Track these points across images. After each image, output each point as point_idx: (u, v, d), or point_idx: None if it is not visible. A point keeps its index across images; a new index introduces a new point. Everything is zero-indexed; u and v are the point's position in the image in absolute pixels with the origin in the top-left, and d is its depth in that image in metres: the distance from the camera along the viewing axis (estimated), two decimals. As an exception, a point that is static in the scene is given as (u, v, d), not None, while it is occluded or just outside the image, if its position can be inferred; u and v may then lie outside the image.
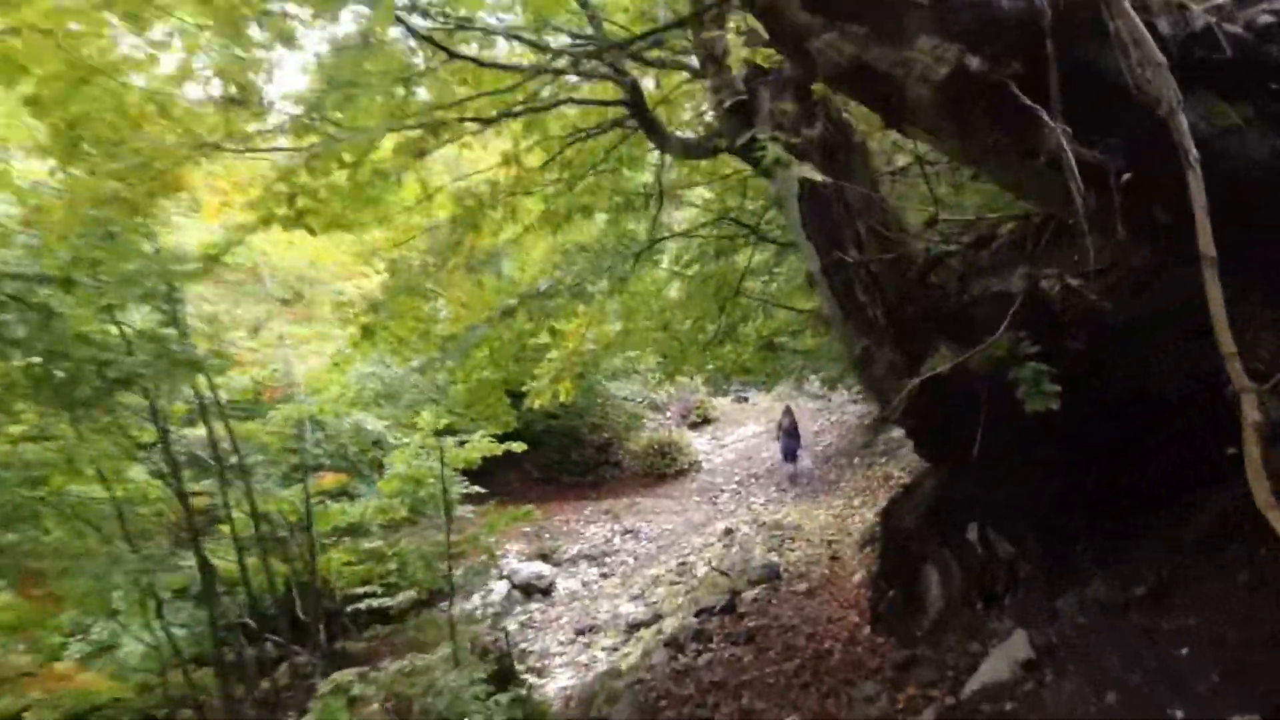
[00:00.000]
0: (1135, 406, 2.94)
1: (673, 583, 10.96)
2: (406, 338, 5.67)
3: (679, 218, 7.85)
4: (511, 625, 10.73)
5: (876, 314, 3.46)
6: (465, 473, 10.52)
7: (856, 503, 12.09)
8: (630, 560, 12.67)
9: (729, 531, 12.27)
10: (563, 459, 18.79)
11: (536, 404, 6.63)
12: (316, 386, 8.22)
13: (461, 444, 7.71)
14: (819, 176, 2.98)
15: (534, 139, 5.20)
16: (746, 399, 26.49)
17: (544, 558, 12.86)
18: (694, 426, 23.36)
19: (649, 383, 19.72)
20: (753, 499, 15.35)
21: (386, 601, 8.09)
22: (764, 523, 12.02)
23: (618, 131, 5.32)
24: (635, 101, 4.37)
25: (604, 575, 12.20)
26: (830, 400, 24.01)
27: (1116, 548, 3.36)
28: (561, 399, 6.77)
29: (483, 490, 10.28)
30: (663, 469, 19.06)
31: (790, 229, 3.93)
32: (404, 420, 8.74)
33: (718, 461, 19.81)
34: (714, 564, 9.22)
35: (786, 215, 3.58)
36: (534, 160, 5.94)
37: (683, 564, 11.52)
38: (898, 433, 14.48)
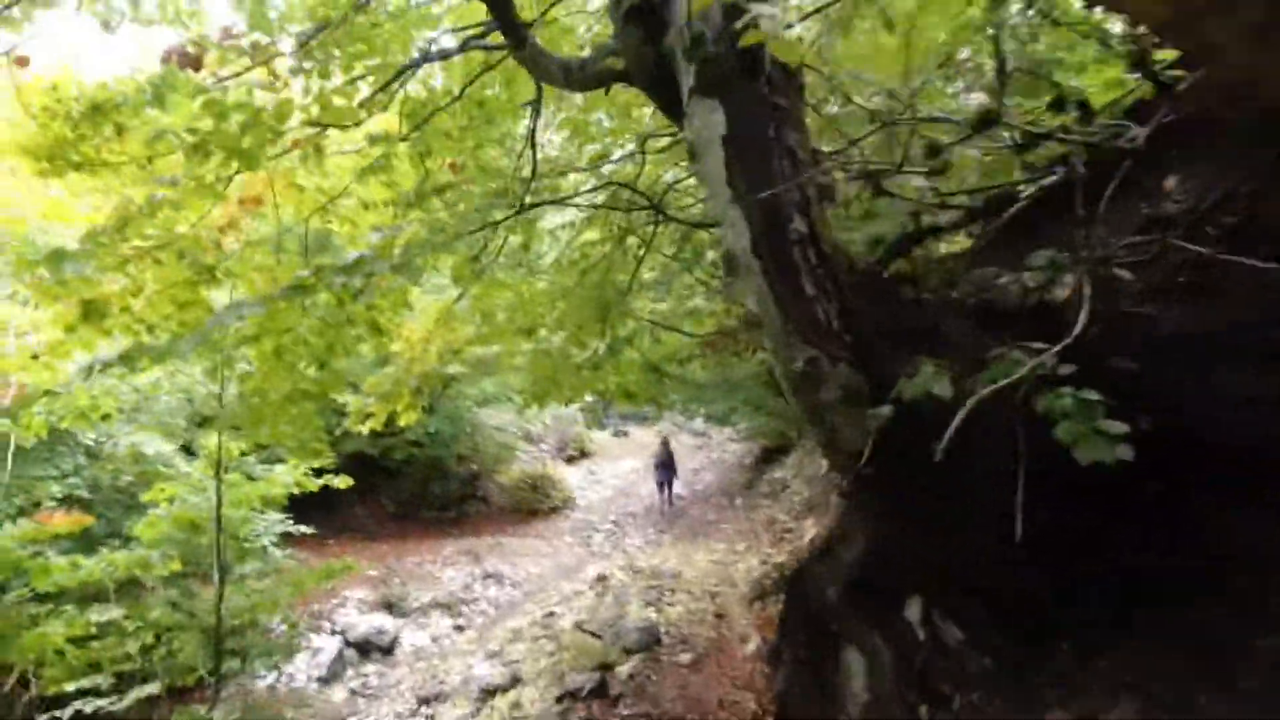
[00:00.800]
0: (1177, 455, 2.20)
1: (536, 637, 9.64)
2: (159, 323, 4.09)
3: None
4: (338, 694, 8.97)
5: (829, 313, 2.59)
6: (298, 505, 8.81)
7: (740, 547, 11.38)
8: (490, 610, 11.19)
9: (602, 578, 11.16)
10: (423, 492, 16.93)
11: (362, 428, 5.25)
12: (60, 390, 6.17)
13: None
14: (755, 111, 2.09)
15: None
16: (626, 433, 25.73)
17: (389, 607, 11.10)
18: (570, 460, 22.16)
19: (523, 412, 18.39)
20: (629, 540, 14.33)
21: (105, 705, 5.15)
22: (640, 569, 11.01)
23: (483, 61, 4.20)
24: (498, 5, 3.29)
25: (458, 628, 10.65)
26: (710, 438, 23.76)
27: (1122, 649, 2.53)
28: (401, 423, 5.44)
29: (310, 531, 8.60)
30: (534, 505, 17.67)
31: (707, 188, 2.91)
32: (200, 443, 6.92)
33: (593, 498, 18.69)
34: (583, 622, 8.06)
35: (703, 170, 2.61)
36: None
37: (549, 615, 10.23)
38: (780, 473, 14.09)
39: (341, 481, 13.70)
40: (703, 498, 16.37)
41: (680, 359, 8.24)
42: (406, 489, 16.81)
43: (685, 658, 5.94)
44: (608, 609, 8.99)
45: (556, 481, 18.44)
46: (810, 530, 10.29)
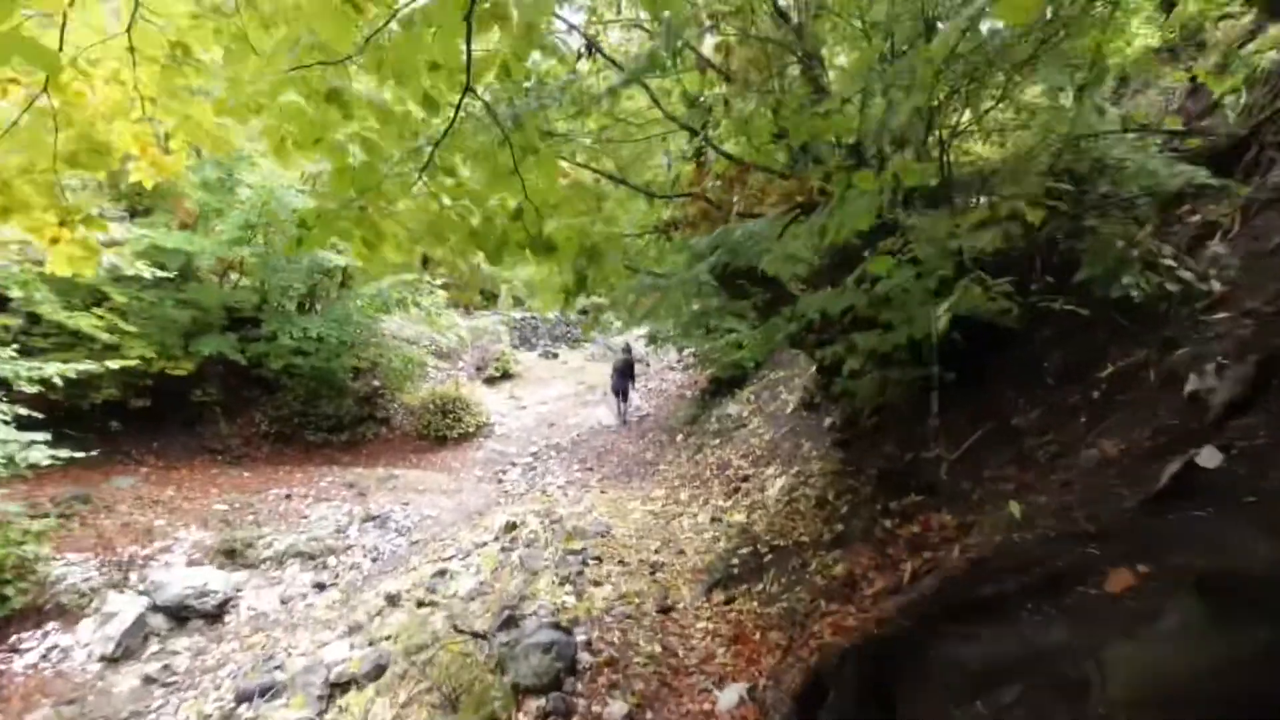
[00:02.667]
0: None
1: (419, 604, 7.38)
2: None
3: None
4: (126, 680, 6.49)
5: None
6: (149, 418, 6.15)
7: (684, 496, 9.29)
8: (365, 563, 8.81)
9: (511, 527, 8.90)
10: (308, 411, 14.13)
11: None
12: None
13: None
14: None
15: None
16: (556, 355, 23.30)
17: (230, 555, 8.55)
18: (490, 382, 19.62)
19: (434, 321, 15.65)
20: (550, 479, 12.10)
21: None
22: (560, 518, 8.79)
23: None
24: None
25: (319, 586, 8.24)
26: (648, 366, 21.56)
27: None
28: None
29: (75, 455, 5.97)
30: (442, 431, 15.17)
31: None
32: None
33: (513, 426, 16.31)
34: (461, 616, 5.75)
35: None
36: None
37: (439, 575, 7.95)
38: (733, 408, 12.01)
39: (178, 368, 10.91)
40: (639, 434, 14.21)
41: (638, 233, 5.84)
42: (287, 406, 13.98)
43: (619, 711, 3.75)
44: (511, 579, 6.75)
45: (471, 405, 15.93)
46: (775, 481, 8.25)
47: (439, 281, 16.56)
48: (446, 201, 2.99)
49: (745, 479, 8.98)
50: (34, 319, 10.26)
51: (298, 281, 11.75)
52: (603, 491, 10.68)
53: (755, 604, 4.65)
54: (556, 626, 4.41)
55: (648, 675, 3.87)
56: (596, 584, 5.87)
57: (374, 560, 8.81)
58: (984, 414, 4.07)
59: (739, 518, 7.65)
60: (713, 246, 4.59)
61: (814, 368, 9.90)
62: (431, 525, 9.82)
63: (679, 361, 19.60)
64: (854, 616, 3.23)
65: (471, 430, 15.45)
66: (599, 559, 6.55)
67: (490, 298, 27.48)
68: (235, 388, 13.79)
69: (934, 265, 3.51)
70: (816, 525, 5.08)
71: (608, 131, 5.86)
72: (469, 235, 3.09)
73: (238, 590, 7.95)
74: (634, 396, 16.39)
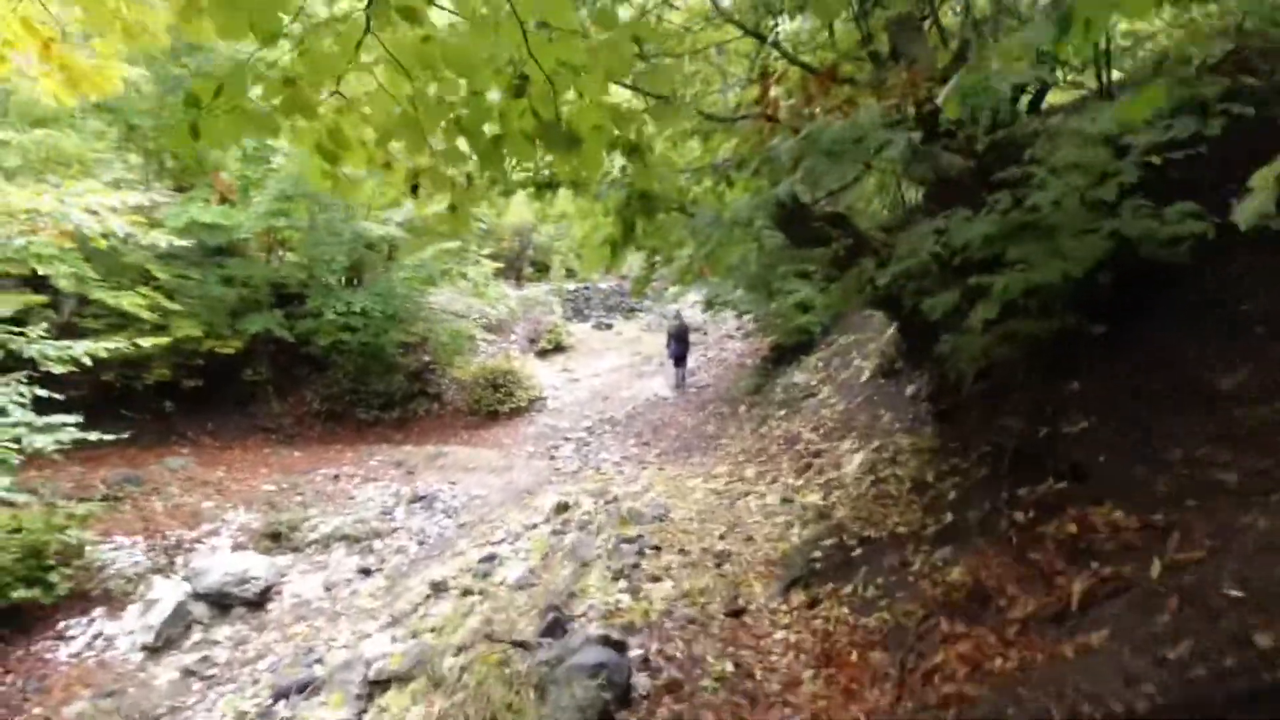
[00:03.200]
0: None
1: (464, 593, 6.87)
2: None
3: None
4: (165, 672, 6.19)
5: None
6: (199, 399, 5.81)
7: (750, 473, 8.48)
8: (411, 546, 8.37)
9: (563, 508, 8.31)
10: (358, 388, 13.89)
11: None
12: None
13: None
14: None
15: None
16: (610, 326, 22.63)
17: (275, 538, 8.25)
18: (542, 355, 19.12)
19: (483, 294, 15.14)
20: (604, 454, 11.47)
21: None
22: (614, 498, 8.14)
23: None
24: None
25: (364, 571, 7.85)
26: (706, 334, 20.66)
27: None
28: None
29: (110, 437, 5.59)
30: (493, 406, 14.74)
31: None
32: None
33: (566, 400, 15.76)
34: (497, 626, 5.10)
35: None
36: None
37: (487, 559, 7.43)
38: (800, 377, 11.07)
39: (226, 346, 10.66)
40: (698, 405, 13.42)
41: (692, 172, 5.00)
42: (337, 384, 13.76)
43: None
44: (561, 569, 6.12)
45: (523, 379, 15.43)
46: (853, 457, 7.35)
47: (486, 251, 16.03)
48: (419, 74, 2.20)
49: (817, 454, 8.10)
50: (84, 300, 10.15)
51: (339, 254, 11.34)
52: (660, 469, 9.98)
53: (846, 610, 3.84)
54: (607, 641, 3.71)
55: (719, 706, 3.12)
56: (655, 579, 5.15)
57: (420, 544, 8.37)
58: (1150, 376, 3.11)
59: (814, 499, 6.80)
60: (796, 154, 3.68)
61: (893, 328, 8.87)
62: (480, 506, 9.32)
63: (738, 329, 18.63)
64: (998, 650, 2.39)
65: (523, 405, 14.96)
66: (657, 548, 5.83)
67: (543, 269, 26.96)
68: (286, 366, 13.64)
69: (1096, 170, 2.57)
70: (915, 513, 4.21)
71: (649, 47, 4.98)
72: (454, 125, 2.30)
73: (282, 576, 7.62)
74: (690, 362, 15.92)
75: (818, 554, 4.44)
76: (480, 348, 18.07)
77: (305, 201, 10.60)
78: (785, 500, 7.08)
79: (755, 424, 10.59)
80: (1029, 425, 3.54)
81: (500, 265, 19.71)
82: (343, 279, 12.85)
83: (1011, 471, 3.50)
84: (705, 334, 20.41)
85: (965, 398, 4.91)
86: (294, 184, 9.96)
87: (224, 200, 10.66)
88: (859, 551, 4.20)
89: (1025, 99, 4.73)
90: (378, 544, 8.36)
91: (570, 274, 28.16)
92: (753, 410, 11.35)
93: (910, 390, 7.49)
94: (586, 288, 25.23)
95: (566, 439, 12.89)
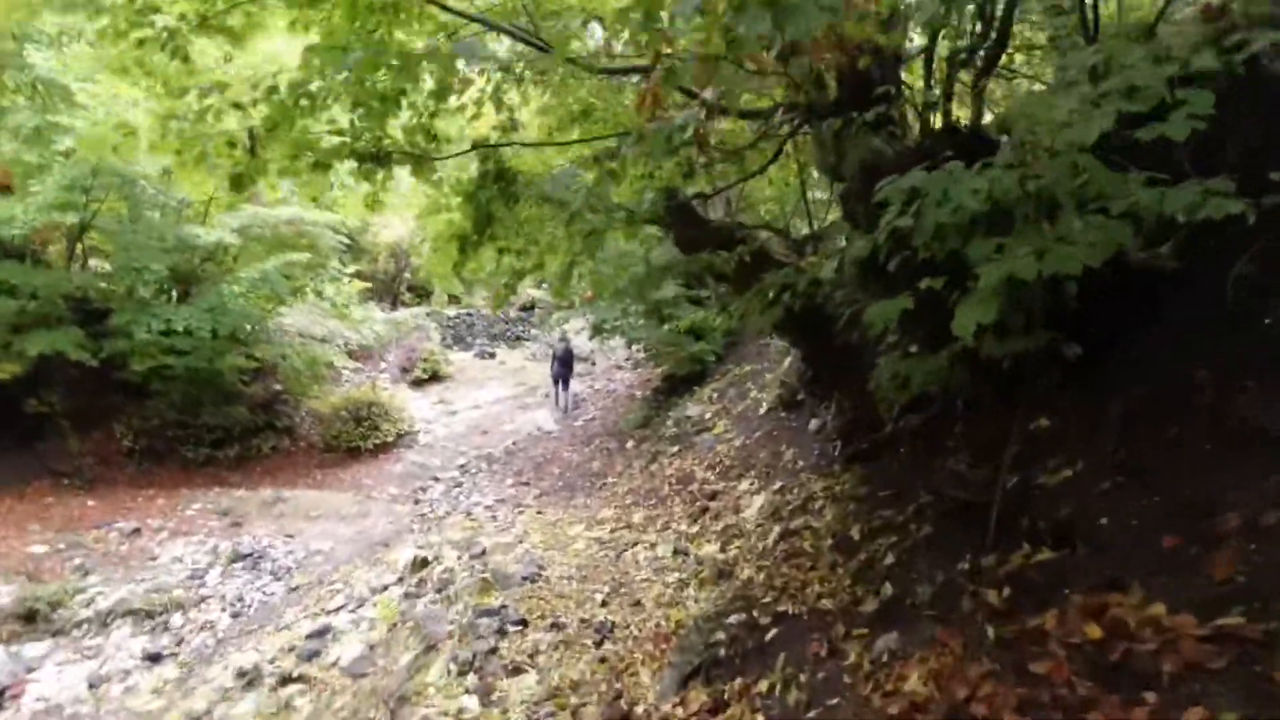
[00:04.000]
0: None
1: (282, 682, 5.42)
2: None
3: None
4: None
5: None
6: None
7: (638, 518, 7.53)
8: (224, 621, 6.73)
9: (421, 564, 7.01)
10: (186, 420, 11.78)
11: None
12: None
13: None
14: None
15: None
16: (493, 354, 21.23)
17: (27, 619, 6.35)
18: (417, 384, 17.46)
19: (345, 315, 13.51)
20: (477, 496, 10.17)
21: None
22: (482, 551, 6.93)
23: None
24: None
25: (151, 659, 6.14)
26: (593, 365, 19.77)
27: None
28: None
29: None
30: (355, 442, 13.02)
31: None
32: None
33: (440, 434, 14.27)
34: None
35: None
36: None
37: (317, 635, 6.00)
38: (693, 409, 10.32)
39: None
40: (583, 440, 12.39)
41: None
42: (159, 416, 11.61)
43: None
44: (402, 652, 4.86)
45: (391, 411, 13.80)
46: (753, 500, 6.58)
47: (351, 269, 14.41)
48: None
49: (713, 496, 7.29)
50: None
51: (155, 262, 9.47)
52: (539, 512, 8.83)
53: (745, 704, 2.94)
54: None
55: None
56: (515, 670, 4.03)
57: (235, 616, 6.74)
58: (1156, 412, 2.45)
59: (711, 550, 5.93)
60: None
61: (791, 357, 8.31)
62: (320, 563, 7.78)
63: (628, 359, 17.88)
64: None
65: (390, 440, 13.33)
66: (523, 622, 4.70)
67: (423, 294, 25.17)
68: (90, 394, 11.33)
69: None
70: (841, 580, 3.39)
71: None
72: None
73: (29, 671, 5.79)
74: (577, 388, 15.51)
75: (720, 634, 3.52)
76: (345, 376, 16.22)
77: (111, 195, 8.74)
78: (679, 552, 6.17)
79: (645, 461, 9.69)
80: (983, 471, 2.83)
81: (370, 286, 18.04)
82: (167, 292, 10.87)
83: (965, 530, 2.76)
84: (593, 364, 19.51)
85: (887, 435, 4.22)
86: (91, 172, 8.12)
87: (2, 189, 8.62)
88: (774, 632, 3.31)
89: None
90: (176, 619, 6.65)
91: (454, 300, 26.53)
92: (642, 446, 10.46)
93: (814, 425, 6.85)
94: (469, 314, 23.74)
95: (436, 479, 11.46)
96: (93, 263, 11.85)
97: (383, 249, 20.10)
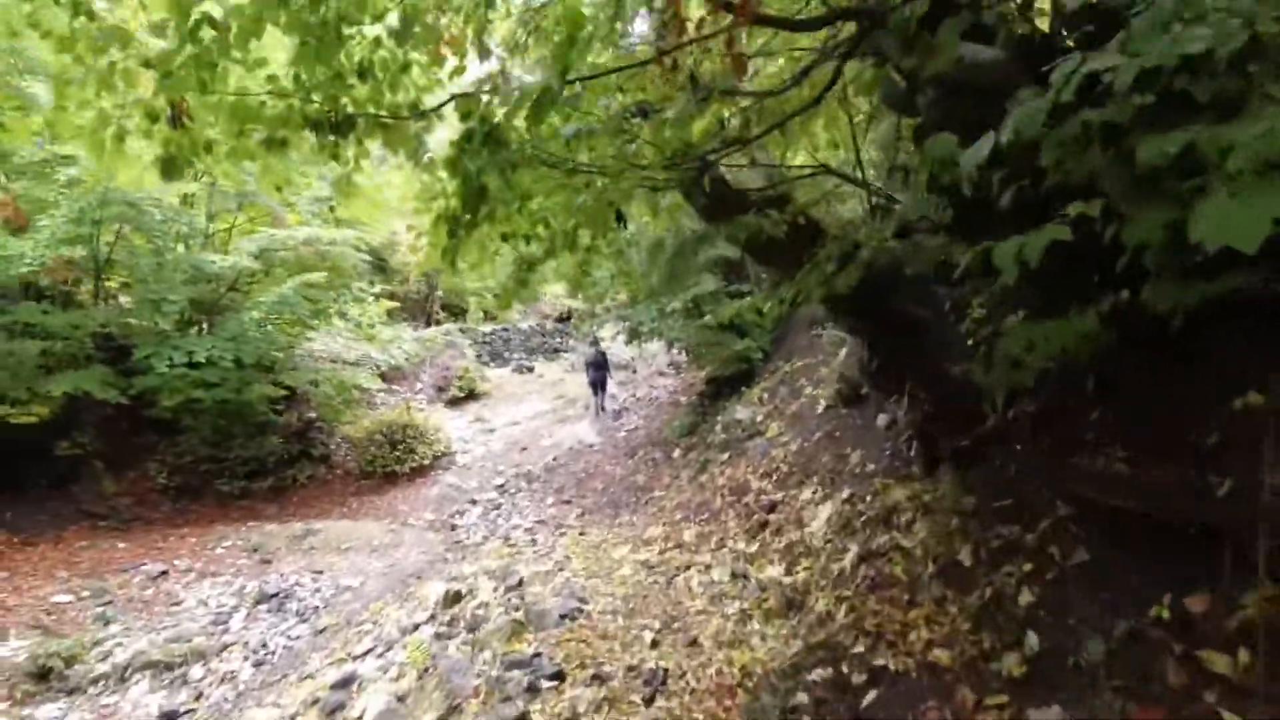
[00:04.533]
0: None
1: (303, 742, 4.84)
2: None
3: None
4: None
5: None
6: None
7: (689, 536, 6.77)
8: (245, 671, 6.21)
9: (455, 599, 6.41)
10: (218, 454, 11.52)
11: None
12: None
13: None
14: None
15: None
16: (531, 369, 20.77)
17: (41, 677, 5.94)
18: (454, 403, 17.07)
19: (373, 337, 13.12)
20: (516, 519, 9.55)
21: None
22: (519, 582, 6.28)
23: None
24: None
25: (167, 718, 5.63)
26: (634, 372, 19.11)
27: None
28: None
29: None
30: (390, 466, 12.59)
31: None
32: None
33: (478, 453, 13.75)
34: None
35: None
36: None
37: (343, 683, 5.42)
38: (742, 412, 9.51)
39: (26, 415, 8.30)
40: (626, 451, 11.69)
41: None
42: (191, 452, 11.35)
43: None
44: (424, 709, 4.21)
45: (427, 432, 13.34)
46: (819, 510, 5.77)
47: (378, 289, 14.04)
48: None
49: (772, 508, 6.49)
50: None
51: (172, 292, 9.17)
52: (582, 533, 8.16)
53: None
54: None
55: None
56: (552, 738, 3.34)
57: (258, 664, 6.22)
58: None
59: (775, 573, 5.15)
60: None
61: (847, 348, 7.46)
62: (349, 601, 7.23)
63: (670, 364, 17.16)
64: None
65: (427, 462, 12.86)
66: (559, 675, 3.99)
67: (457, 312, 24.91)
68: (123, 434, 11.16)
69: None
70: (956, 624, 2.60)
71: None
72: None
73: (39, 735, 5.34)
74: (617, 394, 15.22)
75: (801, 695, 2.74)
76: (380, 399, 15.91)
77: (124, 226, 8.44)
78: (737, 576, 5.39)
79: (693, 471, 8.93)
80: (1165, 472, 2.02)
81: (400, 306, 17.75)
82: (191, 324, 10.60)
83: (1154, 561, 1.95)
84: (634, 371, 18.85)
85: (993, 428, 3.39)
86: (99, 202, 7.83)
87: (16, 229, 8.40)
88: (872, 695, 2.54)
89: None
90: (196, 671, 6.15)
91: (488, 316, 26.24)
92: (689, 454, 9.70)
93: (883, 421, 6.01)
94: (505, 329, 23.38)
95: (474, 501, 10.89)
96: (124, 300, 11.74)
97: (413, 268, 19.81)
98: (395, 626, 6.37)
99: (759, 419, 8.65)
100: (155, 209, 8.18)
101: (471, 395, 17.43)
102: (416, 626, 6.29)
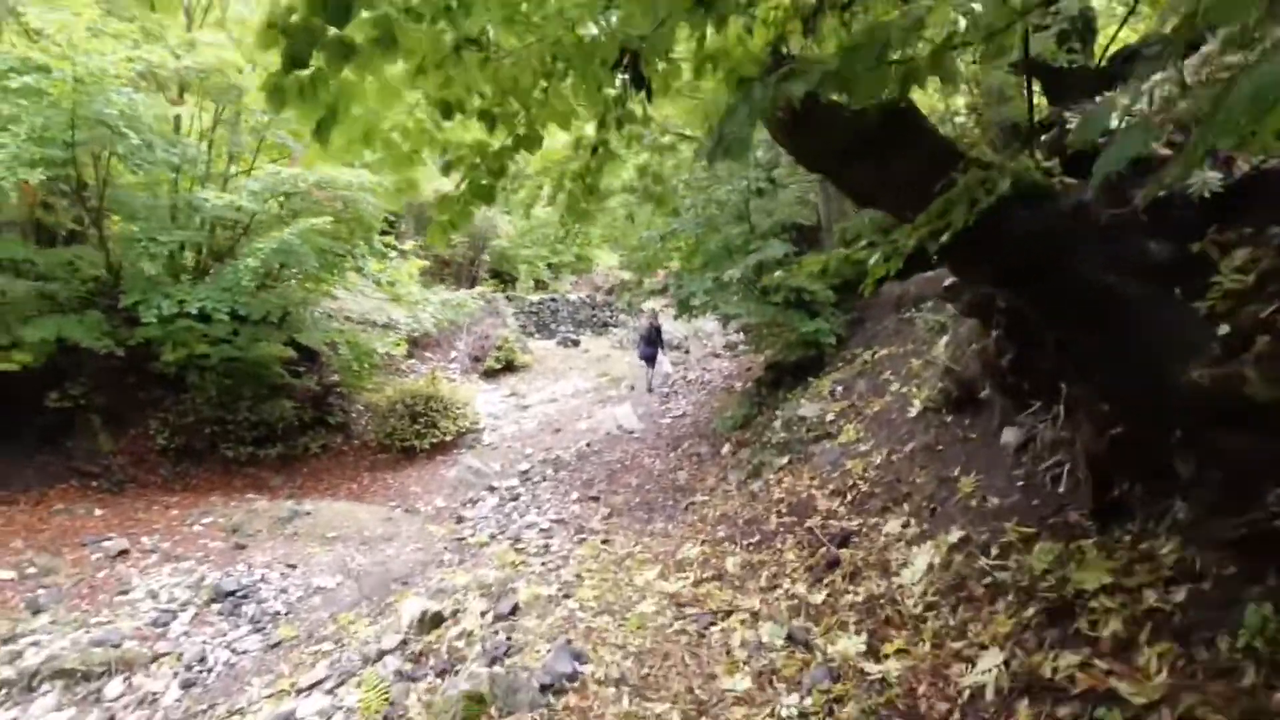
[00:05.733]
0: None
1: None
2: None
3: None
4: None
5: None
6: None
7: (733, 565, 5.22)
8: (171, 693, 5.04)
9: (434, 621, 5.15)
10: (224, 416, 10.59)
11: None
12: None
13: None
14: None
15: None
16: (577, 342, 19.49)
17: (-67, 682, 4.90)
18: (490, 375, 15.91)
19: (401, 299, 11.95)
20: (534, 514, 8.20)
21: None
22: (512, 609, 4.94)
23: None
24: None
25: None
26: (688, 354, 17.56)
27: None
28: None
29: None
30: (409, 440, 11.46)
31: None
32: None
33: (507, 432, 12.52)
34: None
35: None
36: None
37: (267, 736, 4.16)
38: (807, 407, 7.85)
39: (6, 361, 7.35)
40: (669, 442, 10.20)
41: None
42: (194, 412, 10.44)
43: None
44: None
45: (453, 405, 12.16)
46: (915, 553, 4.15)
47: (408, 246, 12.86)
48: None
49: (845, 539, 4.89)
50: None
51: (161, 232, 8.12)
52: (605, 541, 6.74)
53: None
54: None
55: None
56: None
57: (187, 686, 5.04)
58: None
59: (852, 647, 3.57)
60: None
61: (946, 338, 5.71)
62: (317, 608, 6.02)
63: (725, 346, 15.53)
64: None
65: (449, 439, 11.69)
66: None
67: (506, 280, 23.77)
68: (129, 388, 10.32)
69: None
70: None
71: None
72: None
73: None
74: (664, 362, 14.07)
75: None
76: (410, 367, 14.86)
77: (103, 151, 7.34)
78: (796, 641, 3.84)
79: (743, 474, 7.36)
80: None
81: (429, 265, 16.66)
82: (190, 268, 9.59)
83: None
84: (687, 352, 17.31)
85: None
86: (69, 122, 6.73)
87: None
88: None
89: None
90: (114, 687, 5.02)
91: (540, 285, 25.07)
92: (740, 453, 8.13)
93: (1011, 438, 4.30)
94: (554, 299, 22.11)
95: (492, 489, 9.62)
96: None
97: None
98: (359, 650, 5.10)
99: (829, 418, 6.99)
100: (134, 132, 7.08)
101: (509, 367, 16.23)
102: (382, 655, 5.00)
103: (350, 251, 10.18)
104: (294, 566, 6.73)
